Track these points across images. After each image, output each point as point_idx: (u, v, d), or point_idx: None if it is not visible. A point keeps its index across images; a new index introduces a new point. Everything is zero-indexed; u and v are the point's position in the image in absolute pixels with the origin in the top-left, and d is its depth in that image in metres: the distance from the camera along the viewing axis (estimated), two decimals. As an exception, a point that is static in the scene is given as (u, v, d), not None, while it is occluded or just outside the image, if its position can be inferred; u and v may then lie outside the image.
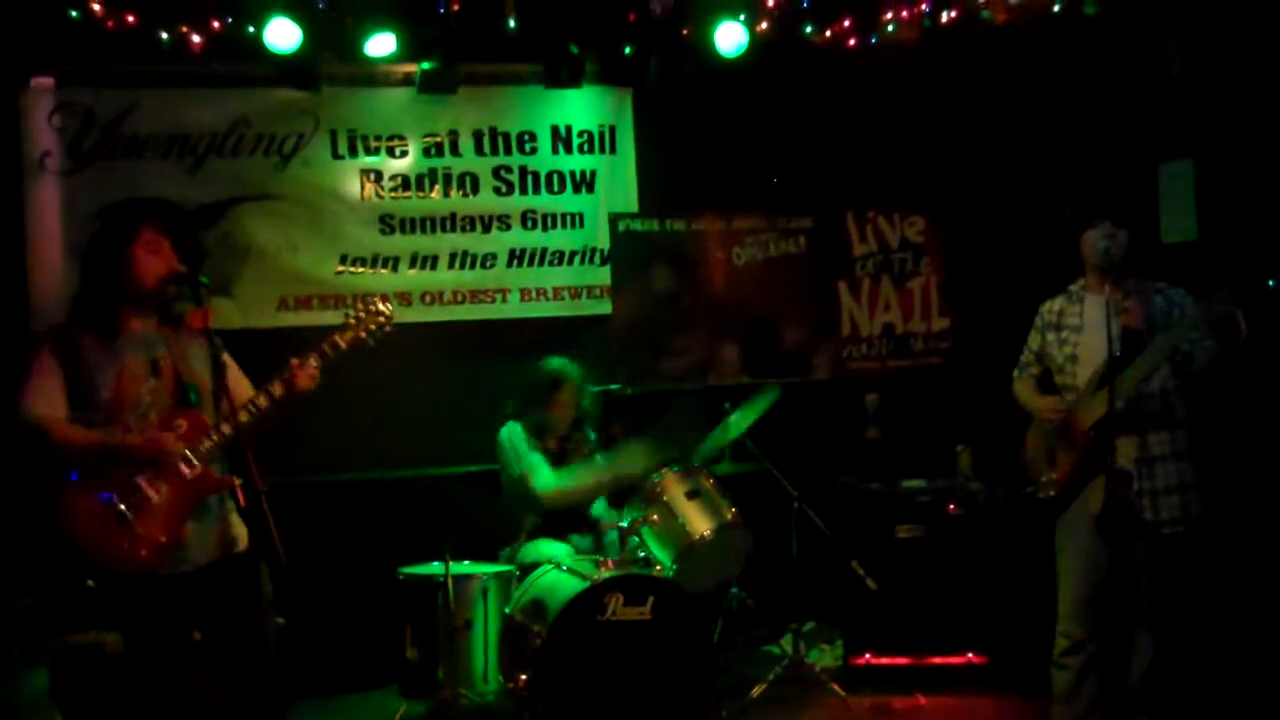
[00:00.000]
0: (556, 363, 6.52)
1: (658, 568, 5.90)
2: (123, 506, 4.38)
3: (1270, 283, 4.70)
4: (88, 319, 4.55)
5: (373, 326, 4.91)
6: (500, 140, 7.51)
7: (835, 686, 6.34)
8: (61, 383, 4.45)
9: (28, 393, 4.44)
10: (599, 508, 6.57)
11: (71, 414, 4.45)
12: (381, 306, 4.95)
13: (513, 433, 6.44)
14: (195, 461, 4.47)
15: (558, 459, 6.52)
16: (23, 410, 4.43)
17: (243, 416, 4.52)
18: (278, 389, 4.64)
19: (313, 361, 4.74)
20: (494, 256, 7.49)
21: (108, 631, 5.13)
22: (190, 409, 4.54)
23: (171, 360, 4.56)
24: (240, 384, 4.76)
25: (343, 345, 4.84)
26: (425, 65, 7.07)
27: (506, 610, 5.90)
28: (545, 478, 6.29)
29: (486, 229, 7.48)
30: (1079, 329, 5.15)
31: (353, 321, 4.90)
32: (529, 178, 7.55)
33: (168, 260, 4.61)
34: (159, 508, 4.42)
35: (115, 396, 4.47)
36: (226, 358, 4.68)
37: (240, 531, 4.60)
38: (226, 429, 4.48)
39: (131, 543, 4.36)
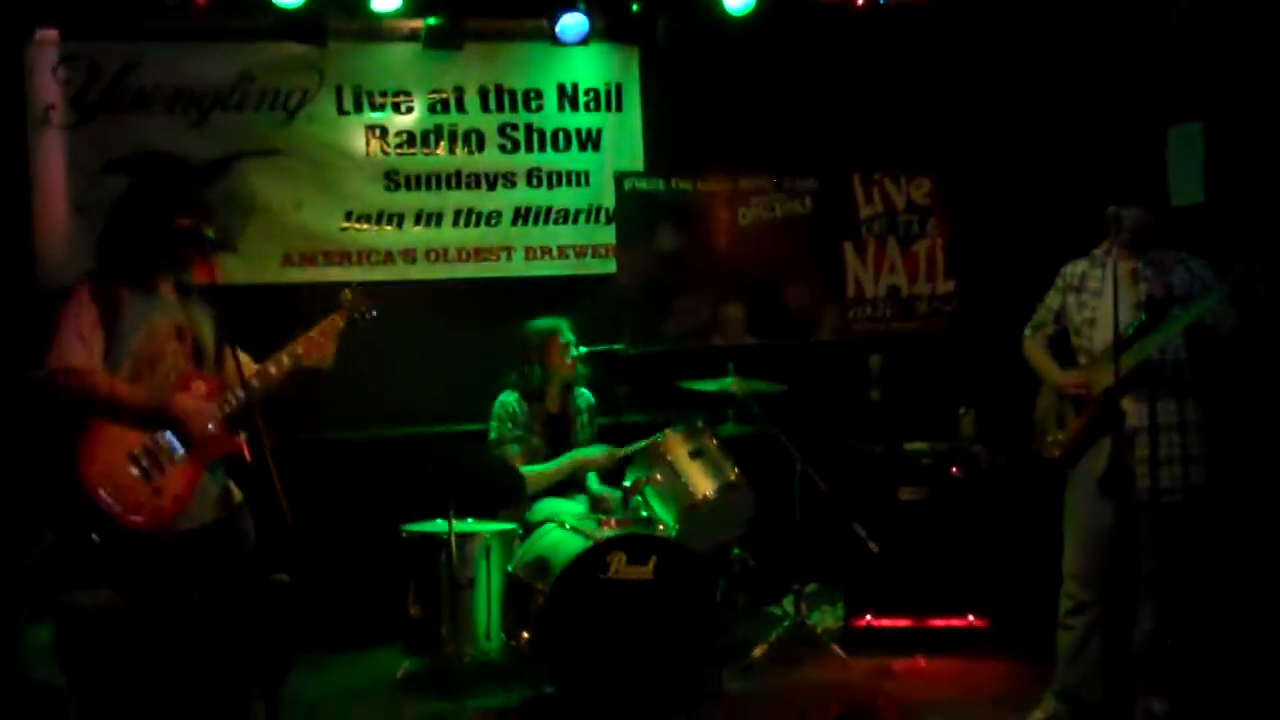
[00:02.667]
0: (545, 319, 6.63)
1: (660, 527, 5.92)
2: (145, 460, 4.41)
3: None
4: (124, 272, 4.53)
5: (355, 315, 4.93)
6: (506, 97, 7.47)
7: (836, 648, 6.36)
8: (101, 333, 4.42)
9: (68, 339, 4.40)
10: (594, 483, 6.60)
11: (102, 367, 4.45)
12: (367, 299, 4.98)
13: (504, 405, 6.51)
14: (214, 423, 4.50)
15: (558, 423, 6.56)
16: (62, 357, 4.39)
17: (255, 383, 4.56)
18: (286, 361, 4.67)
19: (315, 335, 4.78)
20: (499, 214, 7.46)
21: (111, 588, 5.15)
22: (206, 371, 4.56)
23: (190, 325, 4.58)
24: (239, 352, 4.79)
25: (341, 324, 4.88)
26: (431, 20, 7.05)
27: (509, 568, 5.93)
28: (517, 465, 6.39)
29: (492, 186, 7.45)
30: (1099, 293, 5.15)
31: (346, 301, 4.92)
32: (535, 135, 7.51)
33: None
34: (179, 463, 4.46)
35: (142, 353, 4.48)
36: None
37: (236, 491, 4.64)
38: (241, 393, 4.51)
39: (150, 496, 4.39)
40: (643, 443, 6.27)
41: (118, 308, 4.46)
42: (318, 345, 4.76)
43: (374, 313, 4.96)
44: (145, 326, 4.50)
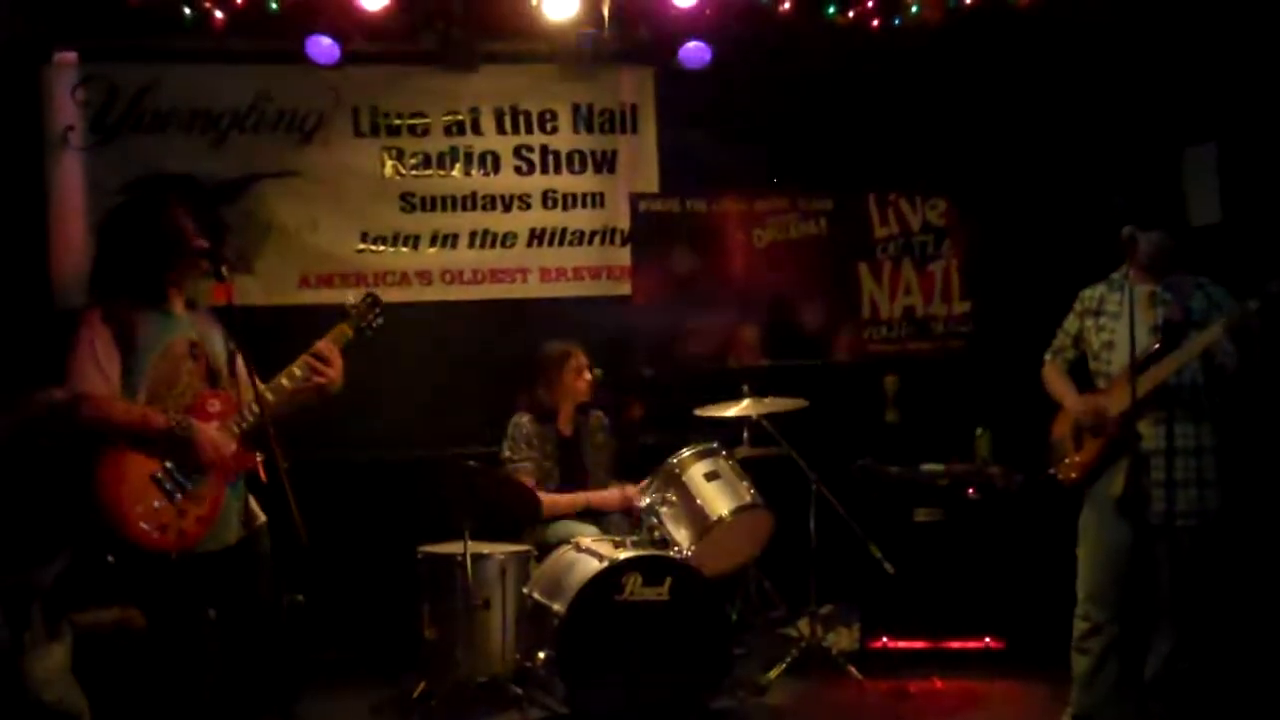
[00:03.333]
0: (560, 342, 6.62)
1: (676, 549, 5.91)
2: (167, 481, 4.42)
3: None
4: (136, 292, 4.53)
5: (362, 324, 4.93)
6: (521, 119, 7.50)
7: (852, 669, 6.34)
8: (117, 357, 4.41)
9: (83, 366, 4.39)
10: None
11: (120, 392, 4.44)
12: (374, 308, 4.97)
13: (518, 425, 6.51)
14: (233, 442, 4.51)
15: (570, 446, 6.56)
16: (79, 385, 4.39)
17: (270, 397, 4.56)
18: (297, 372, 4.67)
19: (324, 348, 4.77)
20: (514, 236, 7.49)
21: (131, 607, 5.16)
22: (221, 389, 4.57)
23: (201, 343, 4.59)
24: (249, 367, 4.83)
25: (350, 334, 4.88)
26: (447, 43, 7.09)
27: (525, 589, 5.91)
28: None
29: (507, 208, 7.48)
30: (1117, 316, 5.14)
31: (353, 311, 4.93)
32: (550, 157, 7.54)
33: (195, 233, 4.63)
34: (202, 484, 4.46)
35: (159, 376, 4.49)
36: (233, 345, 4.71)
37: (257, 509, 4.65)
38: (257, 409, 4.52)
39: (174, 517, 4.39)
40: (655, 479, 6.28)
41: (132, 330, 4.45)
42: (324, 363, 4.73)
43: (380, 320, 4.96)
44: (160, 348, 4.50)
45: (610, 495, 6.52)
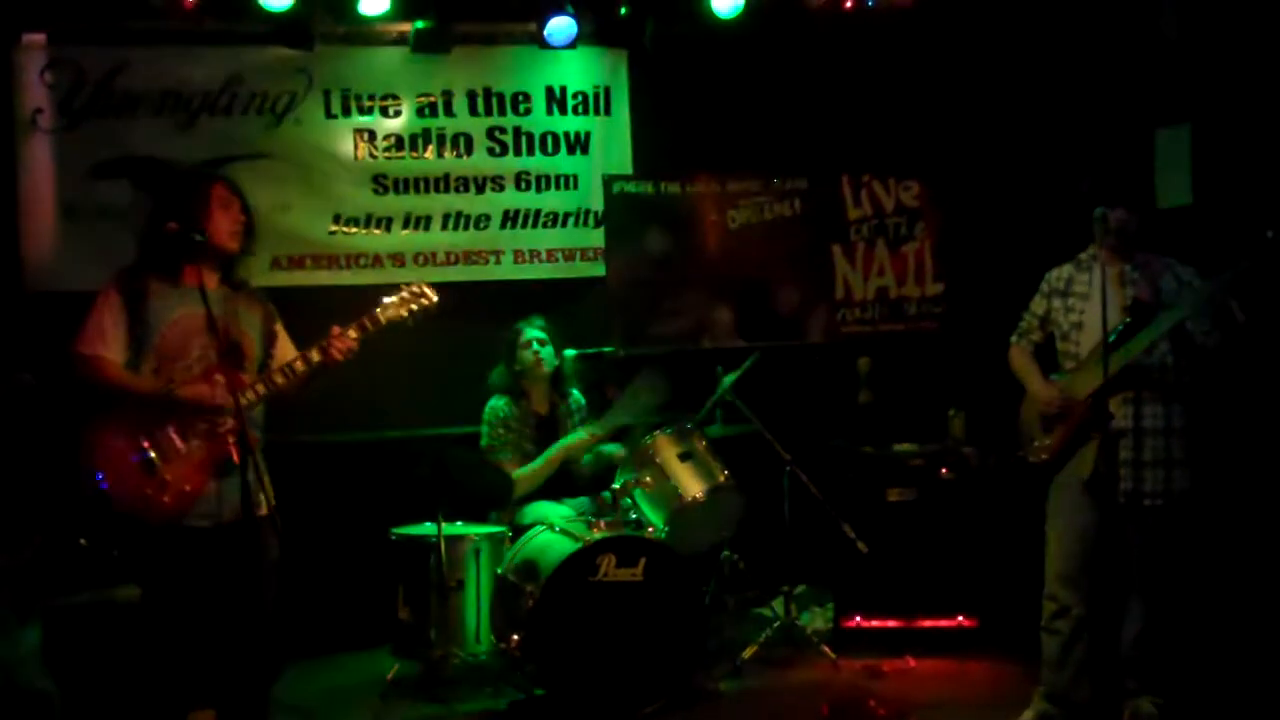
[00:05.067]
0: (521, 321, 6.69)
1: (650, 529, 5.92)
2: (152, 453, 4.50)
3: (1270, 234, 4.69)
4: (155, 264, 4.68)
5: (415, 307, 5.01)
6: (494, 101, 7.47)
7: (826, 649, 6.37)
8: (125, 325, 4.60)
9: (89, 331, 4.60)
10: (587, 458, 6.63)
11: (125, 358, 4.61)
12: (428, 291, 5.07)
13: (494, 410, 6.52)
14: (230, 417, 4.53)
15: (547, 424, 6.56)
16: (81, 346, 4.59)
17: (279, 379, 4.66)
18: (315, 356, 4.77)
19: (351, 333, 4.87)
20: (488, 218, 7.46)
21: (115, 587, 5.18)
22: (231, 367, 4.60)
23: (225, 319, 4.62)
24: (287, 352, 4.88)
25: (382, 320, 4.95)
26: (419, 24, 7.06)
27: (499, 570, 5.92)
28: (511, 470, 6.42)
29: (480, 190, 7.45)
30: (1086, 297, 5.16)
31: (396, 300, 4.99)
32: (523, 139, 7.51)
33: (236, 218, 4.80)
34: (188, 458, 4.53)
35: (166, 347, 4.62)
36: (278, 327, 4.94)
37: (268, 494, 4.67)
38: (261, 389, 4.63)
39: (156, 489, 4.47)
40: (622, 417, 6.32)
41: (145, 300, 4.62)
42: (348, 344, 4.82)
43: (407, 318, 5.03)
44: (172, 321, 4.63)
45: (576, 437, 6.52)
